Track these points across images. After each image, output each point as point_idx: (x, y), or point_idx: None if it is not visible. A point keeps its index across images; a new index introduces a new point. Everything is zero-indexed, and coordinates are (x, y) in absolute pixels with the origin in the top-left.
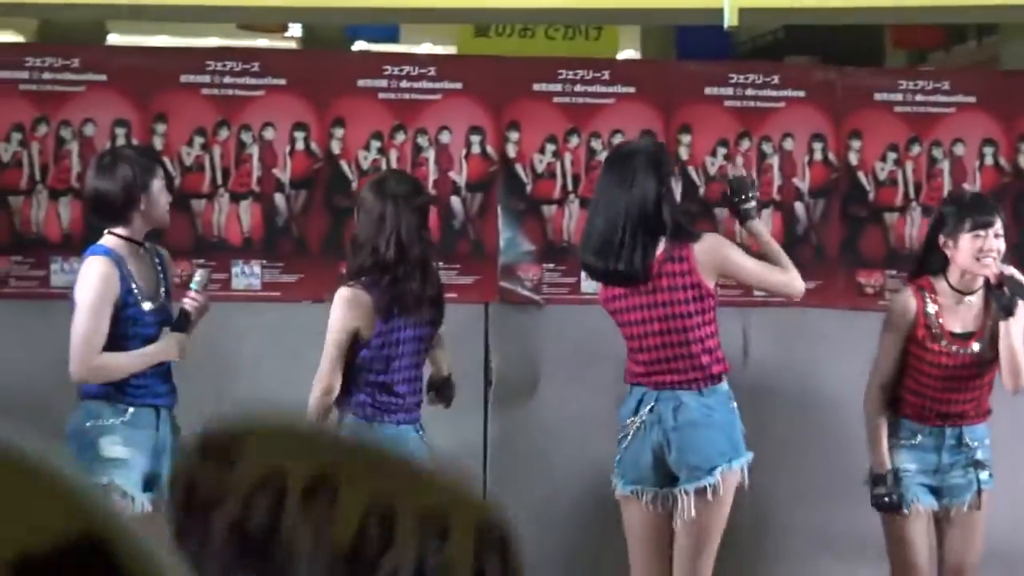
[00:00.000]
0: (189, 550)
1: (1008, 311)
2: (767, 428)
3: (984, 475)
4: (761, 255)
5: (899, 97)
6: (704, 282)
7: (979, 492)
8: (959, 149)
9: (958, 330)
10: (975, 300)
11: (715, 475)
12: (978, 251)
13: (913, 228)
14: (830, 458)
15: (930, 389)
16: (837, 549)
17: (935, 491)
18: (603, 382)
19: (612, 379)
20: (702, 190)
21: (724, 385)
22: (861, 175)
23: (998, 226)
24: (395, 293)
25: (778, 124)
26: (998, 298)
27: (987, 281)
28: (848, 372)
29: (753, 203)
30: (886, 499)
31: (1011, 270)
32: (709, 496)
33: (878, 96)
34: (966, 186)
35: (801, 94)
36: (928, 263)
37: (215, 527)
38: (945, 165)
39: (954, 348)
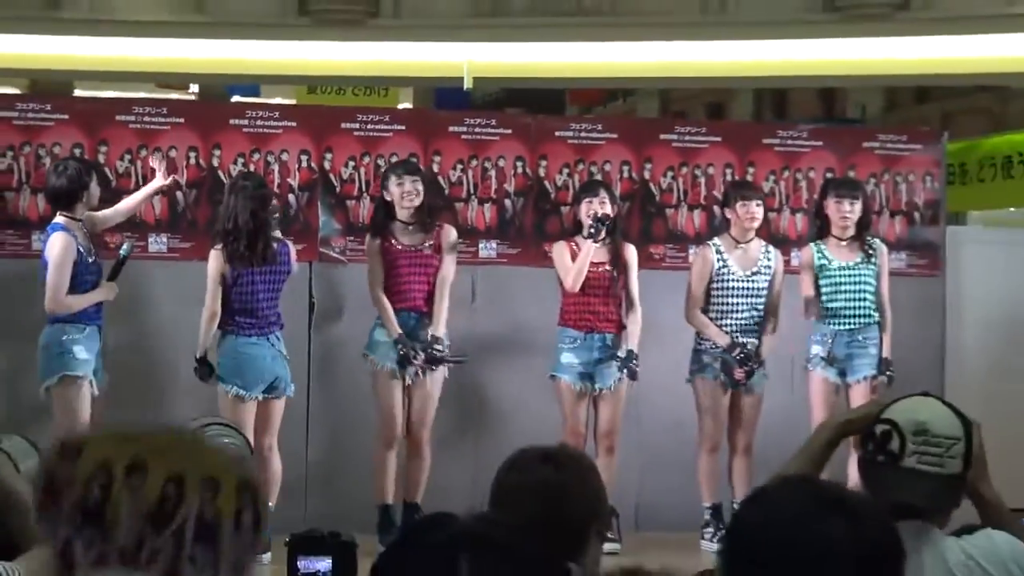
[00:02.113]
0: (47, 518)
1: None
2: (486, 351)
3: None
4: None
5: (571, 134)
6: None
7: (620, 380)
8: (607, 167)
9: (595, 260)
10: (600, 246)
11: None
12: (587, 214)
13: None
14: (532, 370)
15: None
16: (530, 426)
17: (591, 377)
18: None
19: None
20: (447, 190)
21: None
22: (547, 183)
23: (602, 195)
24: (233, 251)
25: (497, 151)
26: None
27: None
28: (539, 310)
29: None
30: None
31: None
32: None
33: (558, 133)
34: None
35: (509, 131)
36: (580, 230)
37: (65, 502)
38: (599, 177)
39: (589, 269)
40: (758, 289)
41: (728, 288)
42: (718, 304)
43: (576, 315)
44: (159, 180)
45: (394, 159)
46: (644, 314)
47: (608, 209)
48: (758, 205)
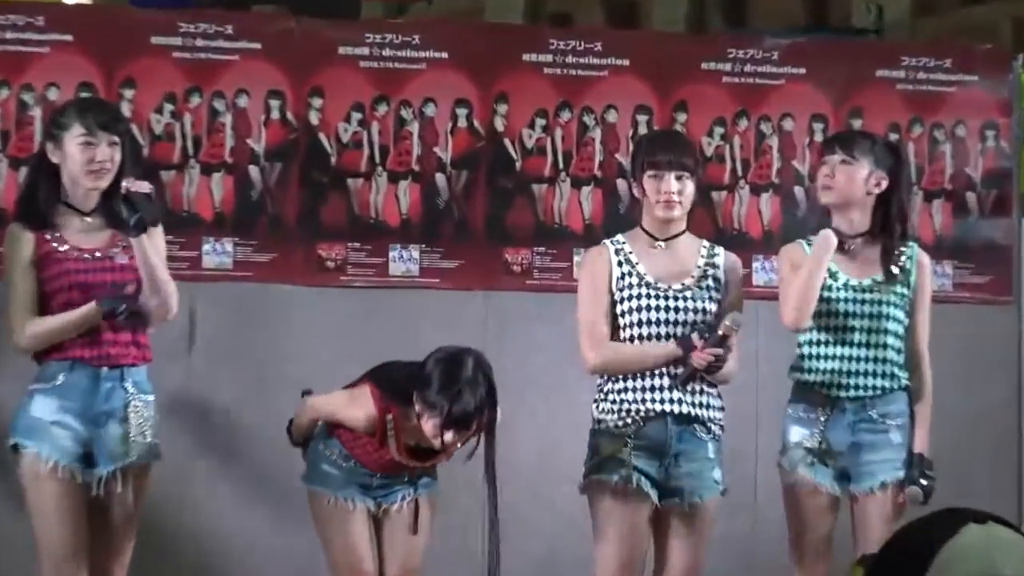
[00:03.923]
0: None
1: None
2: (211, 431)
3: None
4: None
5: (367, 51)
6: None
7: (421, 491)
8: (429, 110)
9: None
10: None
11: None
12: None
13: (378, 196)
14: (291, 462)
15: None
16: (280, 553)
17: (369, 491)
18: None
19: None
20: (146, 150)
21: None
22: (324, 137)
23: None
24: None
25: (236, 80)
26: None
27: None
28: (311, 348)
29: None
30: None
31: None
32: None
33: (344, 50)
34: (437, 149)
35: (257, 46)
36: None
37: None
38: (415, 127)
39: None
40: (696, 311)
41: (639, 308)
42: (627, 336)
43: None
44: None
45: (53, 92)
46: (498, 372)
47: None
48: (680, 178)
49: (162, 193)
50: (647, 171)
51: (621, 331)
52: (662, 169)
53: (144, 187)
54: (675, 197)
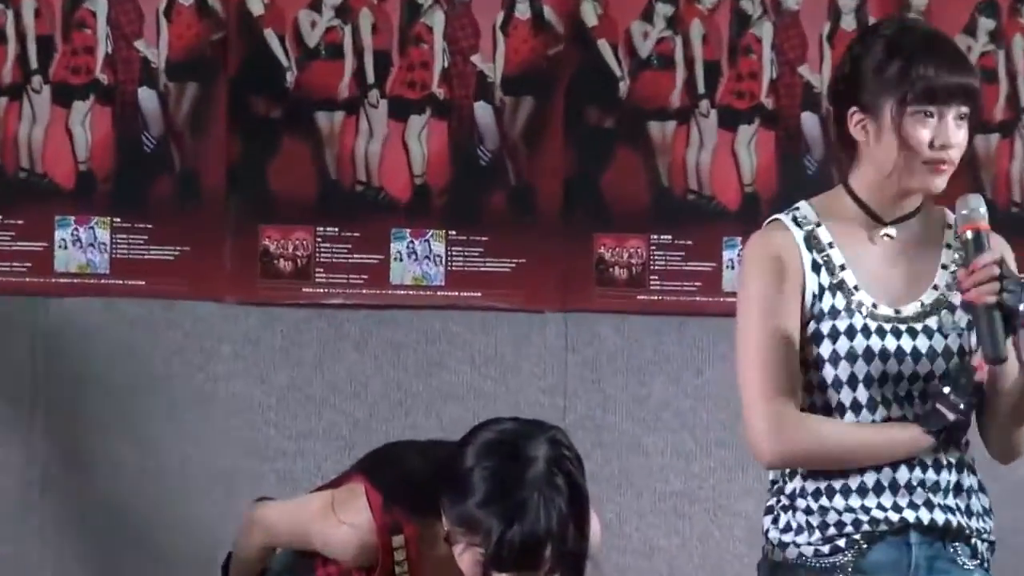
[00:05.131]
0: None
1: None
2: (69, 519)
3: None
4: None
5: None
6: None
7: None
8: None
9: None
10: None
11: None
12: None
13: (372, 142)
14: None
15: None
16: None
17: None
18: None
19: None
20: None
21: None
22: (271, 34)
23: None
24: None
25: None
26: None
27: None
28: (253, 414)
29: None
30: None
31: None
32: None
33: None
34: (477, 59)
35: None
36: None
37: None
38: (436, 18)
39: None
40: (947, 354)
41: (852, 356)
42: (825, 389)
43: None
44: None
45: None
46: (592, 462)
47: None
48: (962, 118)
49: None
50: (913, 104)
51: (813, 393)
52: (941, 103)
53: None
54: (952, 153)
